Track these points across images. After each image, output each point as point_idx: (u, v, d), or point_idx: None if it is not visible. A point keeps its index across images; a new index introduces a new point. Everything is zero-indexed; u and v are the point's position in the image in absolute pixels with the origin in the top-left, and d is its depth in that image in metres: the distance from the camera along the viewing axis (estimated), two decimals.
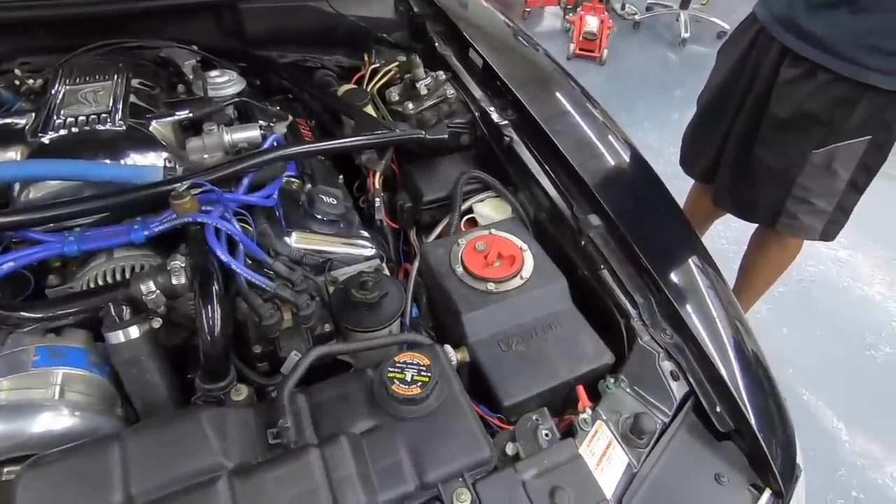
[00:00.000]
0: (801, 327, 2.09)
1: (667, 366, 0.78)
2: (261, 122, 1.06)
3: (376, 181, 1.09)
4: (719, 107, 1.49)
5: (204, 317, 0.67)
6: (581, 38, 3.81)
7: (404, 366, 0.68)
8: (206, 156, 0.86)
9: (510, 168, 1.07)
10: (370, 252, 0.95)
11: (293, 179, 1.00)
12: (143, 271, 0.70)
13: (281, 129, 1.08)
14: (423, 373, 0.67)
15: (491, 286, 0.85)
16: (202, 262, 0.71)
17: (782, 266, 1.65)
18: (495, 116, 1.11)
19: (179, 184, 0.74)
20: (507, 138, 1.07)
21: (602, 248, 0.90)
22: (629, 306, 0.84)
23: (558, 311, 0.85)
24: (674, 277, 0.87)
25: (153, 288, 0.68)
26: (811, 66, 1.22)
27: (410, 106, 1.15)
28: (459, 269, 0.88)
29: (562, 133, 1.06)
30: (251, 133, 0.89)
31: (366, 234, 0.99)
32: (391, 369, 0.67)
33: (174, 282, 0.69)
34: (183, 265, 0.69)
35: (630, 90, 3.63)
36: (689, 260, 0.92)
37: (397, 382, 0.66)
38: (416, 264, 0.97)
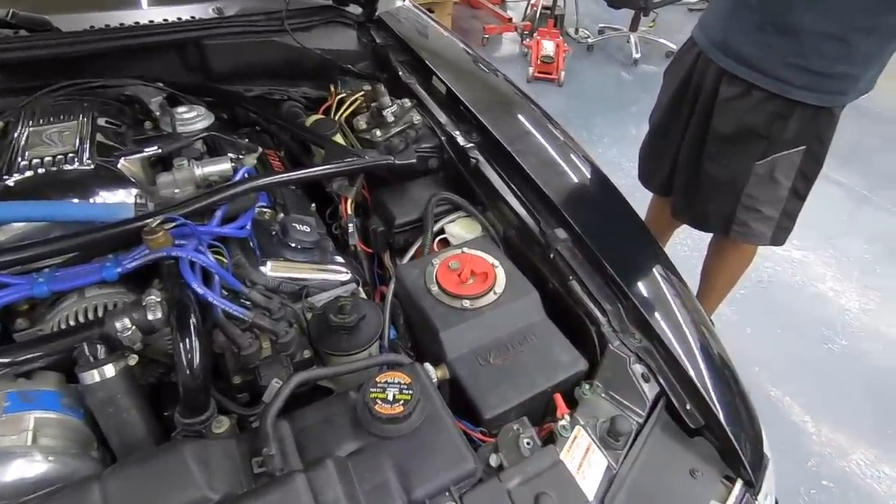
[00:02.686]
0: (763, 326, 2.18)
1: (638, 368, 0.82)
2: (230, 154, 1.08)
3: (348, 207, 1.11)
4: (668, 125, 1.58)
5: (182, 350, 0.67)
6: (539, 62, 3.97)
7: (386, 385, 0.69)
8: (176, 190, 0.87)
9: (478, 188, 1.11)
10: (345, 277, 0.97)
11: (265, 209, 1.01)
12: (118, 308, 0.69)
13: (251, 160, 1.09)
14: (404, 391, 0.68)
15: (466, 303, 0.88)
16: (178, 295, 0.71)
17: (740, 270, 1.74)
18: (461, 140, 1.16)
19: (152, 219, 0.74)
20: (474, 160, 1.11)
21: (570, 260, 0.94)
22: (599, 314, 0.88)
23: (532, 323, 0.88)
24: (639, 285, 0.92)
25: (129, 325, 0.68)
26: (747, 85, 1.32)
27: (378, 133, 1.18)
28: (435, 289, 0.91)
29: (525, 153, 1.11)
30: (222, 166, 0.90)
31: (340, 259, 1.01)
32: (373, 389, 0.68)
33: (150, 317, 0.69)
34: (159, 300, 0.69)
35: (589, 109, 3.79)
36: (653, 268, 0.97)
37: (380, 402, 0.67)
38: (392, 286, 0.99)
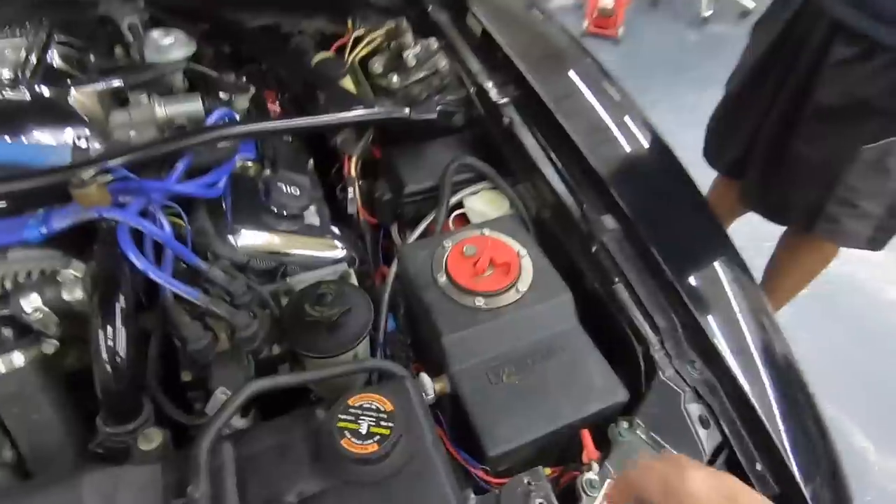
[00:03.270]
0: (823, 332, 1.92)
1: (694, 409, 0.63)
2: (222, 93, 0.90)
3: (352, 167, 0.93)
4: (752, 92, 1.30)
5: (101, 342, 0.52)
6: (596, 15, 3.57)
7: (360, 412, 0.53)
8: (132, 132, 0.70)
9: (510, 155, 0.90)
10: (340, 254, 0.80)
11: (250, 163, 0.84)
12: (27, 283, 0.55)
13: (242, 102, 0.92)
14: (383, 422, 0.52)
15: (480, 301, 0.70)
16: (107, 269, 0.56)
17: (815, 271, 1.48)
18: (494, 93, 0.94)
19: (83, 169, 0.58)
20: (507, 119, 0.90)
21: (617, 255, 0.74)
22: (649, 330, 0.69)
23: (561, 334, 0.70)
24: (704, 296, 0.72)
25: (39, 304, 0.53)
26: (869, 45, 1.03)
27: (395, 79, 0.98)
28: (443, 279, 0.73)
29: (571, 114, 0.89)
30: (191, 106, 0.73)
31: (336, 231, 0.84)
32: (342, 416, 0.52)
33: (66, 297, 0.54)
34: (79, 275, 0.54)
35: (645, 70, 3.40)
36: (723, 273, 0.76)
37: (349, 435, 0.51)
38: (394, 268, 0.82)
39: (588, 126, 0.88)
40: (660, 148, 0.91)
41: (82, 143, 0.64)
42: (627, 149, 0.88)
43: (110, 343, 0.52)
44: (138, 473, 0.49)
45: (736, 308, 0.73)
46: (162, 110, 0.71)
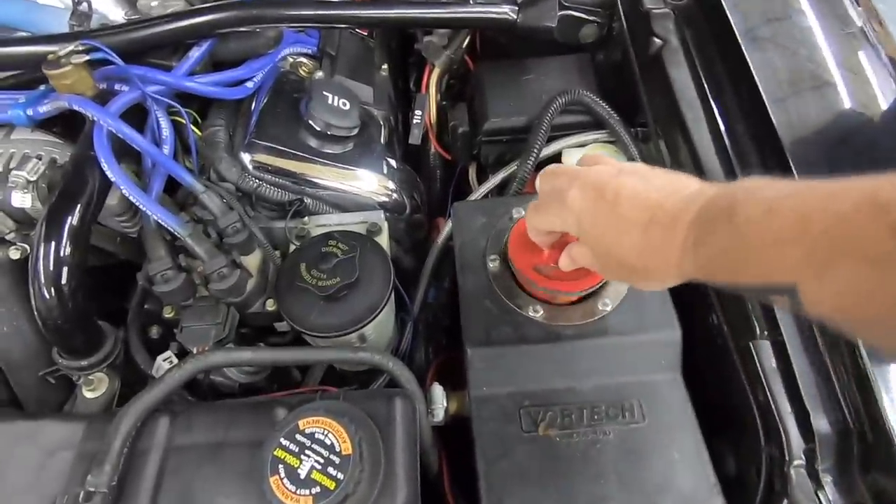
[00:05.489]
0: None
1: None
2: None
3: (430, 81, 0.72)
4: None
5: (41, 262, 0.42)
6: None
7: (308, 442, 0.38)
8: (154, 3, 0.56)
9: (649, 96, 0.61)
10: (385, 197, 0.63)
11: (305, 59, 0.67)
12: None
13: None
14: (331, 469, 0.37)
15: (537, 311, 0.49)
16: (71, 175, 0.46)
17: None
18: None
19: (60, 45, 0.46)
20: (658, 42, 0.59)
21: None
22: (793, 427, 0.42)
23: (649, 389, 0.47)
24: None
25: None
26: None
27: None
28: (495, 264, 0.52)
29: (771, 43, 0.56)
30: None
31: (392, 164, 0.66)
32: (285, 441, 0.38)
33: (16, 203, 0.44)
34: (32, 179, 0.44)
35: None
36: None
37: (282, 473, 0.37)
38: (446, 229, 0.63)
39: (791, 69, 0.55)
40: None
41: (83, 7, 0.51)
42: (843, 108, 0.54)
43: (51, 264, 0.43)
44: (54, 431, 0.41)
45: None
46: None
